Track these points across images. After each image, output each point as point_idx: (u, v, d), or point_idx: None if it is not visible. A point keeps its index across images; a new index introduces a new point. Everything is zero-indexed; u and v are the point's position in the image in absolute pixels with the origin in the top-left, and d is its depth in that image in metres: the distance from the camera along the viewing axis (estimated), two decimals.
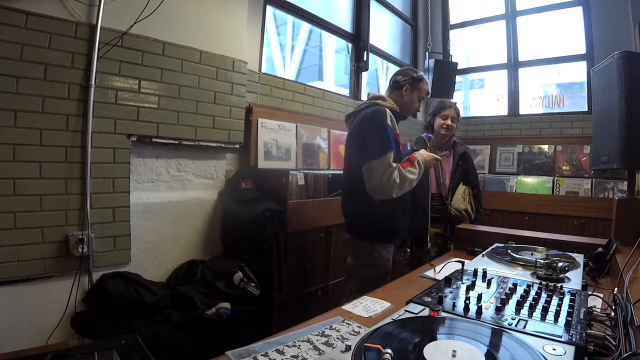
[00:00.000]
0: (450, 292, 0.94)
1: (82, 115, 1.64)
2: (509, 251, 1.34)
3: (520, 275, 1.12)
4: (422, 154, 1.76)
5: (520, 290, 0.94)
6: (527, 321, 0.76)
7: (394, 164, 1.57)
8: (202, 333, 1.59)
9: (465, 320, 0.76)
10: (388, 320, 0.77)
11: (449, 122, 2.22)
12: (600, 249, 1.27)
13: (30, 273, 1.53)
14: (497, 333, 0.70)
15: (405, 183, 1.60)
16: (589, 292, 1.00)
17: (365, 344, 0.62)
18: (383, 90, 4.32)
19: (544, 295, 0.91)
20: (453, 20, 4.52)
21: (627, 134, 1.44)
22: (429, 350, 0.61)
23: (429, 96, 1.95)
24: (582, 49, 3.70)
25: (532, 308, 0.82)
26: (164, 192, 2.03)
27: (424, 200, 2.10)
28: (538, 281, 1.03)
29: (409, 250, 2.01)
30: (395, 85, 1.81)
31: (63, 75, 1.58)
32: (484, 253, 1.40)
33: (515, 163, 3.91)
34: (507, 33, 4.14)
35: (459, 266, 1.18)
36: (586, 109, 3.66)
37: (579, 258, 1.30)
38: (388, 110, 1.65)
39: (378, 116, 1.62)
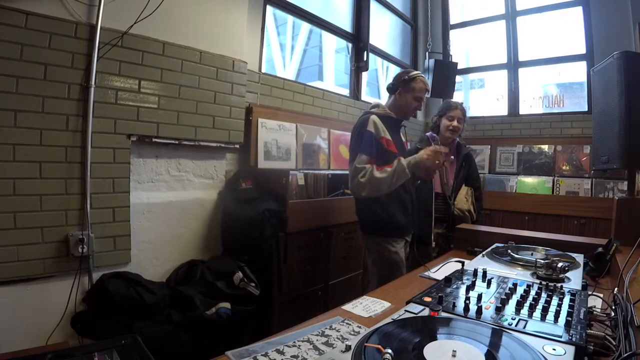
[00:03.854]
0: (450, 292, 0.94)
1: (82, 115, 1.64)
2: (509, 251, 1.34)
3: (520, 275, 1.12)
4: (419, 153, 1.75)
5: (520, 290, 0.94)
6: (527, 321, 0.76)
7: (363, 166, 1.69)
8: (202, 333, 1.59)
9: (465, 320, 0.76)
10: (388, 320, 0.77)
11: (455, 123, 2.19)
12: (600, 249, 1.27)
13: (30, 273, 1.53)
14: (497, 333, 0.70)
15: (374, 183, 1.68)
16: (589, 292, 1.00)
17: (366, 344, 0.62)
18: (383, 91, 4.36)
19: (544, 295, 0.91)
20: (453, 20, 4.52)
21: (627, 134, 1.44)
22: (429, 350, 0.61)
23: (428, 94, 1.94)
24: (582, 49, 3.70)
25: (532, 308, 0.82)
26: (164, 192, 2.03)
27: (427, 199, 2.12)
28: (538, 281, 1.03)
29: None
30: (389, 90, 1.91)
31: (63, 75, 1.58)
32: (484, 253, 1.40)
33: (515, 163, 3.91)
34: (507, 33, 4.14)
35: (459, 266, 1.18)
36: (586, 109, 3.66)
37: (579, 258, 1.30)
38: (372, 117, 1.76)
39: (359, 124, 1.80)
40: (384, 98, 1.94)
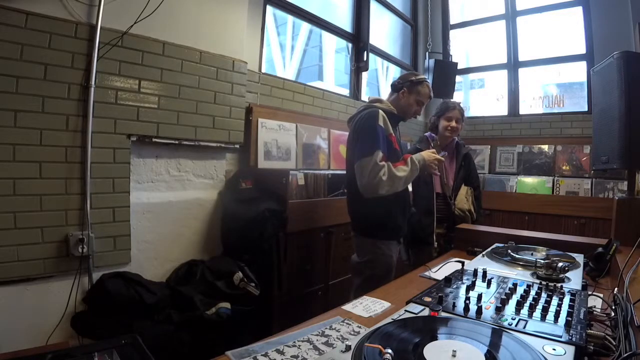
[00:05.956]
0: (450, 292, 0.94)
1: (82, 115, 1.64)
2: (509, 251, 1.34)
3: (520, 275, 1.12)
4: (423, 154, 1.78)
5: (520, 290, 0.94)
6: (527, 321, 0.76)
7: (383, 163, 1.61)
8: (202, 333, 1.59)
9: (465, 320, 0.76)
10: (388, 320, 0.77)
11: (453, 123, 2.18)
12: (600, 249, 1.27)
13: (30, 273, 1.53)
14: (497, 333, 0.70)
15: (395, 181, 1.63)
16: (589, 292, 1.00)
17: (366, 344, 0.62)
18: (383, 91, 4.36)
19: (544, 295, 0.91)
20: (453, 20, 4.52)
21: (627, 134, 1.44)
22: (429, 350, 0.61)
23: (430, 100, 1.94)
24: (582, 49, 3.70)
25: (532, 308, 0.82)
26: (164, 192, 2.03)
27: (428, 200, 2.12)
28: (538, 281, 1.03)
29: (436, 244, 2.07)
30: (393, 88, 1.89)
31: (63, 75, 1.58)
32: (484, 253, 1.40)
33: (515, 163, 3.91)
34: (507, 33, 4.14)
35: (459, 266, 1.18)
36: (586, 109, 3.66)
37: (579, 258, 1.30)
38: (381, 112, 1.71)
39: (370, 117, 1.70)
40: (384, 97, 1.92)
